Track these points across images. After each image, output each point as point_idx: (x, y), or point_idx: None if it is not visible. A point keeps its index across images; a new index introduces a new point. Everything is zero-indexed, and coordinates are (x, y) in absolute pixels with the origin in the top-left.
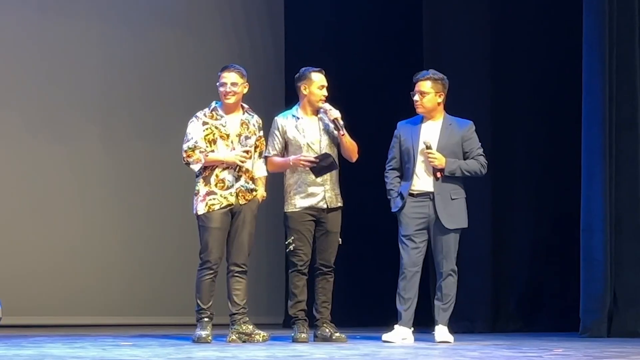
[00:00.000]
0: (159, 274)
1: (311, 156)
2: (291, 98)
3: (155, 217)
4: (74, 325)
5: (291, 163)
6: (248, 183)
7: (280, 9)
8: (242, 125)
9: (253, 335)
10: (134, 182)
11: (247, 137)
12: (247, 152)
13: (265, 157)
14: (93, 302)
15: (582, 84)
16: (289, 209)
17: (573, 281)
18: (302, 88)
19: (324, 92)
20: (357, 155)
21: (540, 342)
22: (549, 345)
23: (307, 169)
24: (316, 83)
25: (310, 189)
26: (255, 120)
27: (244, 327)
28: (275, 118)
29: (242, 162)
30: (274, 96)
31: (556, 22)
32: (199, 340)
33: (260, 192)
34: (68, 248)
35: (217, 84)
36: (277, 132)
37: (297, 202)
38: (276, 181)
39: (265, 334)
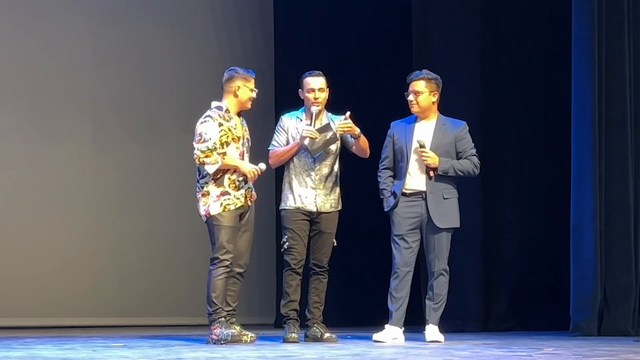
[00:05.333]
0: (150, 275)
1: (312, 129)
2: (281, 99)
3: (147, 218)
4: (65, 327)
5: (300, 141)
6: (251, 184)
7: (270, 8)
8: (242, 127)
9: (241, 336)
10: (124, 183)
11: (247, 140)
12: (258, 171)
13: (269, 151)
14: (84, 304)
15: (571, 84)
16: (283, 207)
17: (564, 280)
18: (300, 92)
19: (315, 95)
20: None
21: (530, 341)
22: (539, 344)
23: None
24: (306, 86)
25: (302, 190)
26: (245, 122)
27: (231, 328)
28: (282, 116)
29: (253, 179)
30: (264, 97)
31: (546, 22)
32: (232, 339)
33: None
34: (58, 249)
35: (243, 85)
36: (282, 129)
37: (289, 201)
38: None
39: (253, 335)
